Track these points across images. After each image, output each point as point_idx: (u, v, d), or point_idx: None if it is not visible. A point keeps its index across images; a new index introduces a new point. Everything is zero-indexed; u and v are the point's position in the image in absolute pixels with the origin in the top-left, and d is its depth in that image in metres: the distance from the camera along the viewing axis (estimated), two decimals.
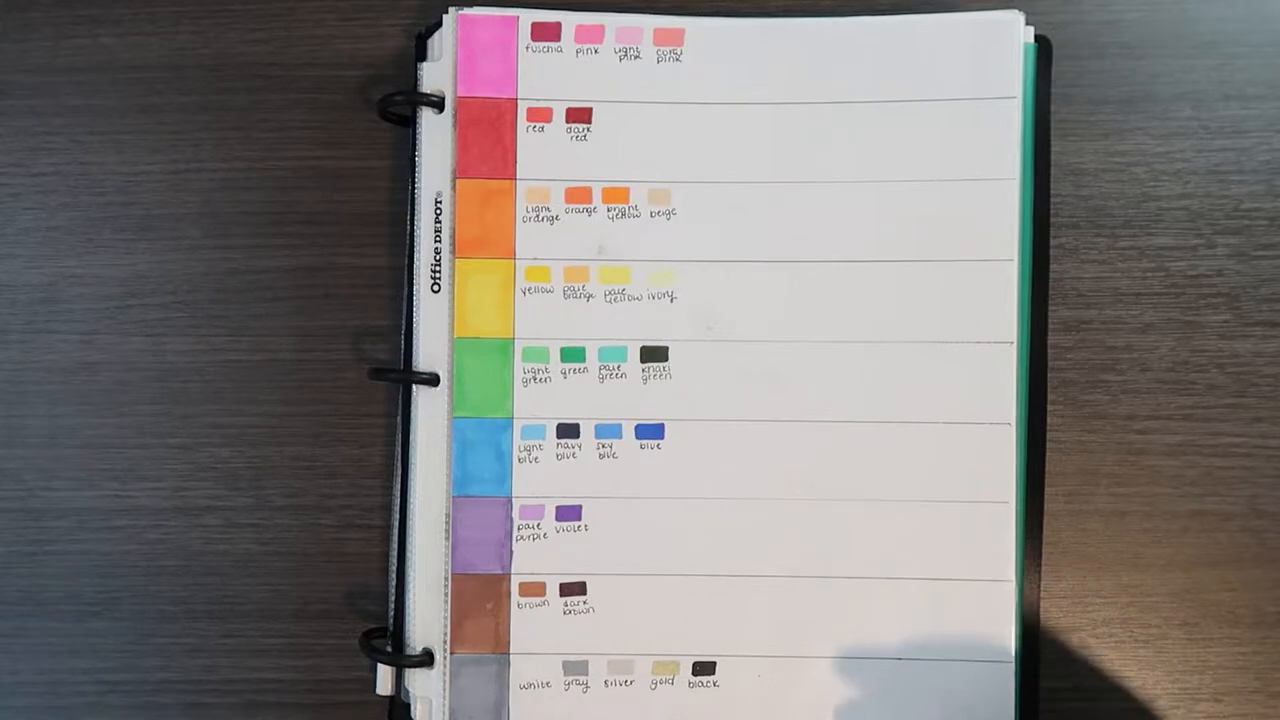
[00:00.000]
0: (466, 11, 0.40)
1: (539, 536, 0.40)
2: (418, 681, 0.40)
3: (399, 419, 0.41)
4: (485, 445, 0.40)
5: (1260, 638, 0.40)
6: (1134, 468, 0.41)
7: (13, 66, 0.43)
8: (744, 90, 0.40)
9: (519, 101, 0.40)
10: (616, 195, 0.40)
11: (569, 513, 0.40)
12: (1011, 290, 0.39)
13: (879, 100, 0.40)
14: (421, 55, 0.41)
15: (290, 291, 0.42)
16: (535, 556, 0.40)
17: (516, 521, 0.40)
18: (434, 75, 0.40)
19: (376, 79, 0.42)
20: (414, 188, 0.40)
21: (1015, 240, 0.39)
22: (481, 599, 0.39)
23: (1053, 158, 0.41)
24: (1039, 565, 0.40)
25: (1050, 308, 0.41)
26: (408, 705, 0.40)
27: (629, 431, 0.40)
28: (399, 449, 0.41)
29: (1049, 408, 0.40)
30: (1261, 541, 0.41)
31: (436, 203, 0.40)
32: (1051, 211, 0.41)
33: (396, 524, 0.41)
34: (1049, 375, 0.40)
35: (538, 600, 0.39)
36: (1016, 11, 0.40)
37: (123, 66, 0.42)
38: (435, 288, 0.40)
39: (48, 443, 0.42)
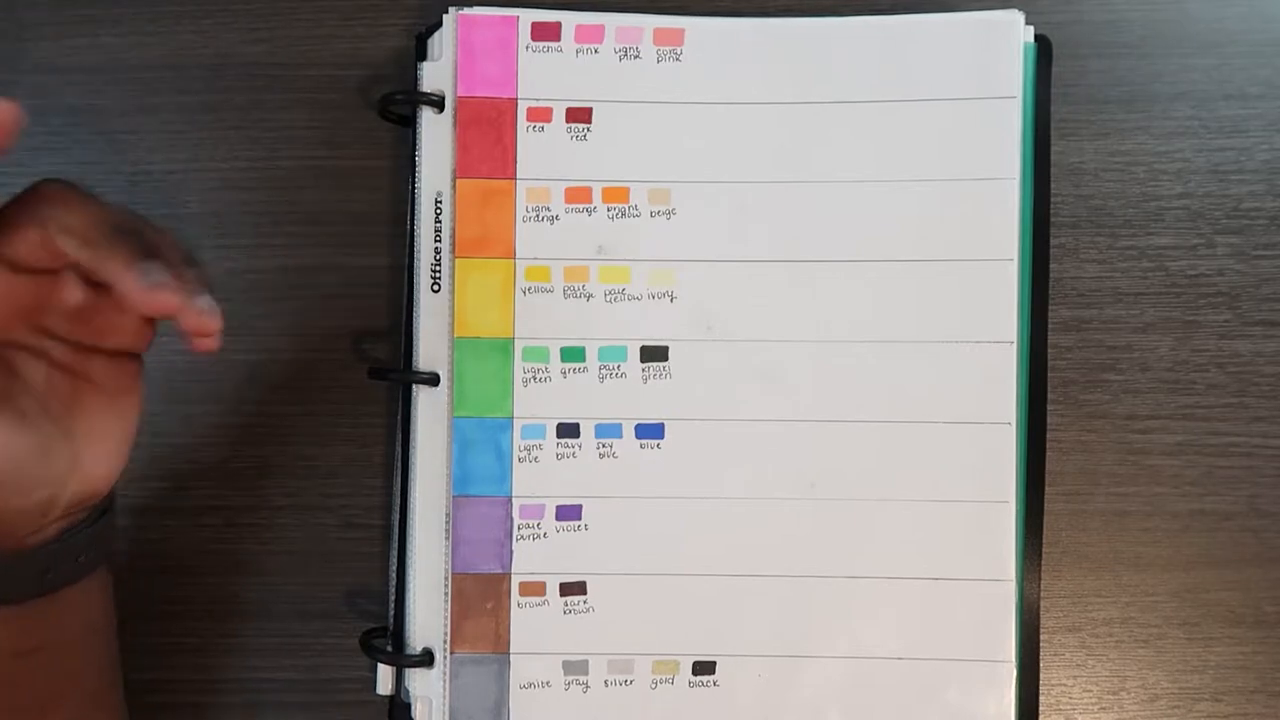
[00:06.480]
0: (466, 11, 0.40)
1: (539, 536, 0.40)
2: (418, 681, 0.40)
3: (399, 419, 0.41)
4: (485, 445, 0.40)
5: (1260, 638, 0.40)
6: (1134, 468, 0.41)
7: (13, 66, 0.42)
8: (744, 90, 0.40)
9: (519, 101, 0.40)
10: (616, 195, 0.40)
11: (569, 512, 0.40)
12: (1011, 290, 0.39)
13: (879, 100, 0.40)
14: (421, 55, 0.41)
15: (290, 291, 0.42)
16: (535, 556, 0.39)
17: (516, 521, 0.40)
18: (434, 75, 0.40)
19: (376, 79, 0.42)
20: (414, 188, 0.40)
21: (1015, 240, 0.39)
22: (482, 599, 0.39)
23: (1053, 157, 0.41)
24: (1039, 565, 0.40)
25: (1050, 308, 0.41)
26: (408, 705, 0.40)
27: (629, 431, 0.40)
28: (399, 449, 0.41)
29: (1049, 408, 0.40)
30: (1261, 541, 0.41)
31: (436, 203, 0.40)
32: (1051, 211, 0.41)
33: (396, 524, 0.41)
34: (1049, 375, 0.40)
35: (538, 600, 0.39)
36: (1016, 11, 0.40)
37: (123, 66, 0.42)
38: (435, 287, 0.40)
39: None
